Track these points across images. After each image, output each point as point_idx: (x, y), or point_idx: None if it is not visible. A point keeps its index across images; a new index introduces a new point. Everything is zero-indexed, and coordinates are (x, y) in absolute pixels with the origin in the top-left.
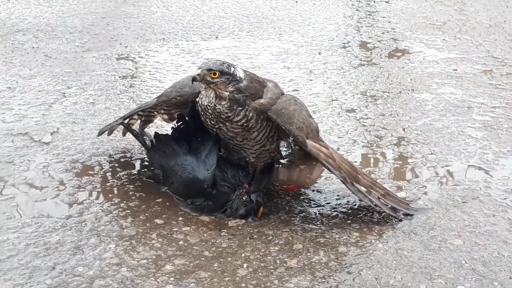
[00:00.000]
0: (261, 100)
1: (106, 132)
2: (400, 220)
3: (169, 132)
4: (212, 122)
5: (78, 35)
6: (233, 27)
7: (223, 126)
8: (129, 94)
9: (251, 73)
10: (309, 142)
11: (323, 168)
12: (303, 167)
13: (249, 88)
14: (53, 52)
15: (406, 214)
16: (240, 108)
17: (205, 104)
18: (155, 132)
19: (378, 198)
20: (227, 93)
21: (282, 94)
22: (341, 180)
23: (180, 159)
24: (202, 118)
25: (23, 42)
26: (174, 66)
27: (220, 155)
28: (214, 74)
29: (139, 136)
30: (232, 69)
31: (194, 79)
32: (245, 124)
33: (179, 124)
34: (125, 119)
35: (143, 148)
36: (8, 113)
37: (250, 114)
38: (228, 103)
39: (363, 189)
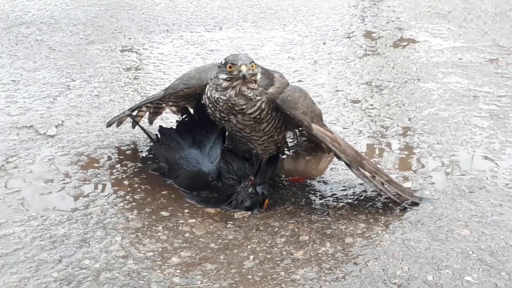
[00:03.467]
0: (270, 89)
1: (115, 123)
2: (405, 208)
3: (174, 125)
4: (222, 115)
5: (81, 27)
6: (237, 17)
7: (234, 118)
8: (134, 86)
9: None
10: (314, 126)
11: (329, 159)
12: (308, 158)
13: (263, 79)
14: (57, 45)
15: (412, 204)
16: (258, 98)
17: (216, 96)
18: (160, 126)
19: (382, 183)
20: (255, 85)
21: (288, 84)
22: (346, 163)
23: (184, 152)
24: (210, 110)
25: (27, 35)
26: (178, 57)
27: (224, 147)
28: (255, 65)
29: (146, 128)
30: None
31: (244, 76)
32: (258, 116)
33: (183, 117)
34: (133, 111)
35: (148, 141)
36: (13, 106)
37: (263, 105)
38: (251, 92)
39: (368, 174)
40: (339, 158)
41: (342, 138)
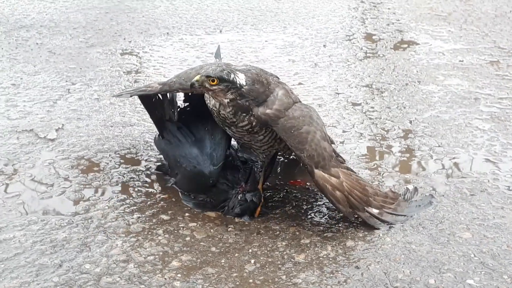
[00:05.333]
0: (267, 110)
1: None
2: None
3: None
4: (220, 123)
5: (82, 31)
6: (237, 20)
7: (229, 130)
8: None
9: (255, 71)
10: (317, 173)
11: None
12: None
13: (251, 91)
14: (57, 48)
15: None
16: (244, 114)
17: (211, 105)
18: (163, 121)
19: (391, 214)
20: (226, 100)
21: (295, 102)
22: (345, 214)
23: (185, 151)
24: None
25: (27, 38)
26: (179, 60)
27: (229, 153)
28: (213, 81)
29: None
30: (232, 76)
31: (192, 85)
32: (250, 129)
33: (185, 105)
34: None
35: (148, 143)
36: (13, 110)
37: (255, 121)
38: (232, 109)
39: (375, 211)
40: (337, 208)
41: (351, 175)
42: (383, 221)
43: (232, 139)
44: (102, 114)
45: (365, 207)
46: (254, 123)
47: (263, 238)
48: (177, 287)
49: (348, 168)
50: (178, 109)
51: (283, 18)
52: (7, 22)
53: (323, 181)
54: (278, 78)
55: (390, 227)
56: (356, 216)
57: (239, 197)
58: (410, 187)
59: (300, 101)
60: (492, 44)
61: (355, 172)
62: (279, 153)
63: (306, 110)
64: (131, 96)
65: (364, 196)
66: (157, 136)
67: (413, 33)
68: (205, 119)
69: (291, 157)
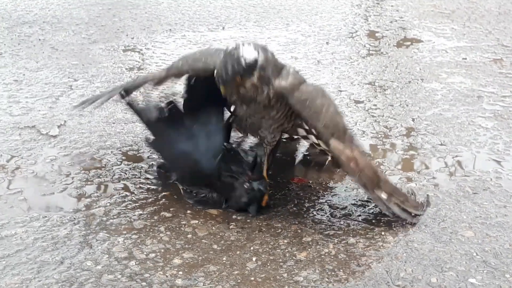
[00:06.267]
0: (282, 82)
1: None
2: (414, 224)
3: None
4: (238, 102)
5: (84, 27)
6: (240, 17)
7: (241, 108)
8: None
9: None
10: (333, 142)
11: (330, 159)
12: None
13: (269, 63)
14: (59, 44)
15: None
16: (265, 86)
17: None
18: (157, 118)
19: (398, 205)
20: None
21: (304, 81)
22: (360, 186)
23: (181, 148)
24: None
25: (30, 34)
26: None
27: (225, 146)
28: (246, 79)
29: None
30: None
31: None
32: (267, 104)
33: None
34: (126, 91)
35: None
36: (15, 106)
37: (272, 93)
38: (258, 82)
39: (383, 196)
40: (352, 177)
41: (364, 154)
42: (389, 209)
43: (232, 129)
44: (104, 110)
45: (375, 189)
46: (272, 95)
47: (265, 236)
48: (179, 285)
49: (362, 152)
50: (171, 105)
51: (286, 15)
52: (9, 18)
53: (338, 150)
54: None
55: (392, 225)
56: (372, 190)
57: (245, 186)
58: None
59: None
60: (496, 42)
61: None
62: (284, 138)
63: (318, 86)
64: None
65: (375, 177)
66: (149, 137)
67: (416, 30)
68: (198, 111)
69: (296, 137)
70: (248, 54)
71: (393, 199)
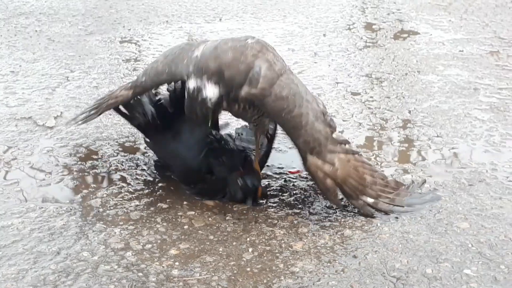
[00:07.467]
0: (252, 90)
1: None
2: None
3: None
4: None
5: (81, 18)
6: (237, 9)
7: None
8: (133, 77)
9: (216, 44)
10: (310, 159)
11: None
12: None
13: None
14: (56, 36)
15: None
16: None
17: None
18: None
19: (388, 204)
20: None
21: (279, 75)
22: (333, 204)
23: (169, 148)
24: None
25: (26, 26)
26: None
27: (210, 138)
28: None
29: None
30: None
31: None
32: (241, 110)
33: (157, 100)
34: (97, 112)
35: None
36: (11, 97)
37: (243, 103)
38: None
39: (370, 200)
40: (326, 197)
41: (350, 160)
42: (379, 210)
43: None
44: None
45: (359, 196)
46: (243, 106)
47: (261, 227)
48: (175, 275)
49: (348, 151)
50: (159, 102)
51: (283, 6)
52: (6, 9)
53: (315, 168)
54: (256, 38)
55: (388, 217)
56: (348, 204)
57: (239, 182)
58: (419, 180)
59: (285, 70)
60: (493, 34)
61: (358, 153)
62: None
63: (294, 86)
64: (96, 115)
65: (360, 185)
66: (144, 138)
67: (413, 22)
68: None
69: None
70: (211, 93)
71: (381, 199)
